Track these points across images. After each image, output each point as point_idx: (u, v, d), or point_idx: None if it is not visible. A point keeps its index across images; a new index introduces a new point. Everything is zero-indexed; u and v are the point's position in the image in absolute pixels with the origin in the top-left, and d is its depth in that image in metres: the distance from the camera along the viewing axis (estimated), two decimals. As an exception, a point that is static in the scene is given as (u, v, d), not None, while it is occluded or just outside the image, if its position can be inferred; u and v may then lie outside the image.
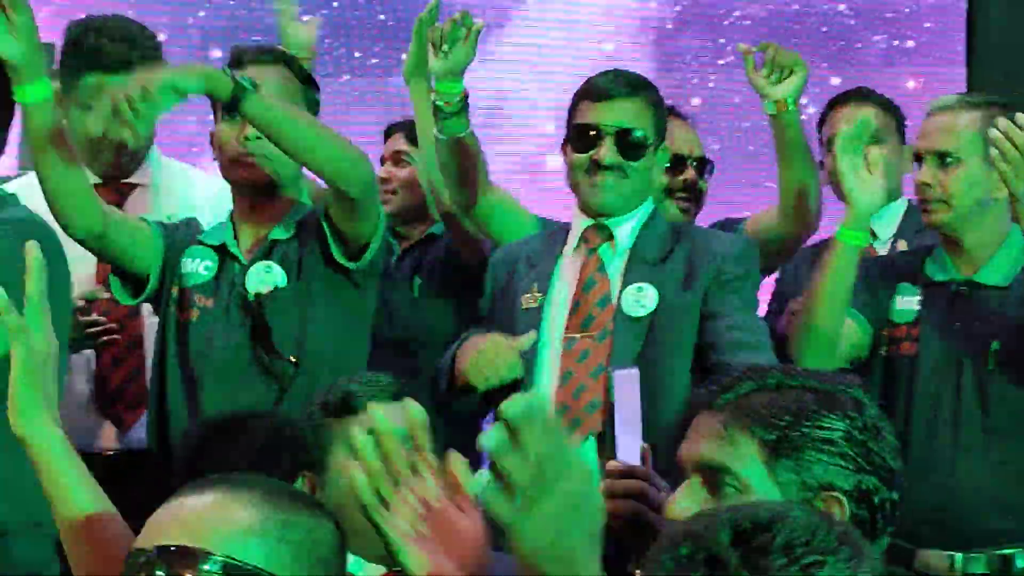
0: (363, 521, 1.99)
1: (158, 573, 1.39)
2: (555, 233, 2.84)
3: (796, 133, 2.87)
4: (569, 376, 2.67)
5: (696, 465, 1.54)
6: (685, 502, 1.51)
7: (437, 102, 2.89)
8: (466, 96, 2.92)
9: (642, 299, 2.66)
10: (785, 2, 4.43)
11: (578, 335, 2.68)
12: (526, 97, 4.41)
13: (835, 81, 4.31)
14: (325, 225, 2.67)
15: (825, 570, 1.02)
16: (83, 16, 2.97)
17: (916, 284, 2.68)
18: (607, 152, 2.63)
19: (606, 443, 1.94)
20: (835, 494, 1.48)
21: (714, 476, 1.51)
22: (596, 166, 2.63)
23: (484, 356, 2.60)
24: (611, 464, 1.74)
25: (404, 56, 3.16)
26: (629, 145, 2.65)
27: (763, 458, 1.49)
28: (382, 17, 4.41)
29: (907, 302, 2.68)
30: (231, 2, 4.54)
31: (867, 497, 1.46)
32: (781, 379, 1.56)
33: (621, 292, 2.70)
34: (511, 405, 1.09)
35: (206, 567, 1.38)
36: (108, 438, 2.96)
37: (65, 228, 2.61)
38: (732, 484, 1.49)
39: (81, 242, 2.64)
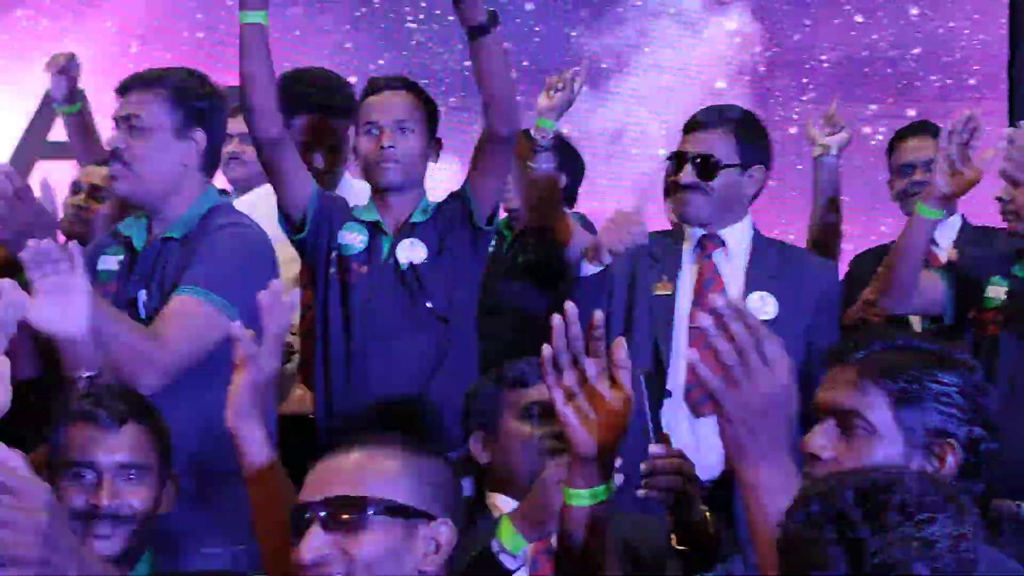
0: (521, 473, 2.27)
1: (329, 520, 1.53)
2: (670, 234, 3.08)
3: (831, 175, 3.31)
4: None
5: (831, 409, 1.62)
6: (821, 440, 1.61)
7: (534, 135, 3.20)
8: (557, 135, 3.24)
9: (766, 307, 2.88)
10: (857, 49, 4.89)
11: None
12: (643, 127, 4.87)
13: (911, 112, 4.77)
14: (468, 193, 2.94)
15: (935, 526, 1.10)
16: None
17: (1005, 278, 2.87)
18: (685, 174, 2.89)
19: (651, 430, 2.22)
20: (950, 440, 1.57)
21: (847, 419, 1.59)
22: (678, 185, 2.92)
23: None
24: (653, 448, 2.01)
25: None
26: (705, 168, 2.86)
27: (890, 406, 1.57)
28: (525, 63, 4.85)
29: (996, 291, 2.86)
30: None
31: (975, 445, 1.56)
32: (906, 341, 1.66)
33: (746, 296, 2.90)
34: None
35: (369, 510, 1.52)
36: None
37: (252, 124, 2.89)
38: (862, 427, 1.57)
39: (260, 144, 2.90)
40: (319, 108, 3.19)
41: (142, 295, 2.63)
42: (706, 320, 1.35)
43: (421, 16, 5.20)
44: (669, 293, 2.93)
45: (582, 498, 1.60)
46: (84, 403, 2.14)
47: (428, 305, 2.90)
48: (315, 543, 1.52)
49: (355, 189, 3.24)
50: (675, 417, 2.87)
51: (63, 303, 2.29)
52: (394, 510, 1.54)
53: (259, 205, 3.12)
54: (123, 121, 2.68)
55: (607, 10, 5.09)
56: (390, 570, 1.54)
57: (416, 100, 2.96)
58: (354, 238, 2.95)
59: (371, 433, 1.78)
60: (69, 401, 2.29)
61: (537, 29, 5.02)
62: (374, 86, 3.00)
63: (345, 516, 1.53)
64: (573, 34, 5.07)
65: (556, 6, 5.18)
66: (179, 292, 2.56)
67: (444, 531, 1.58)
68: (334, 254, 2.94)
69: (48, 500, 1.07)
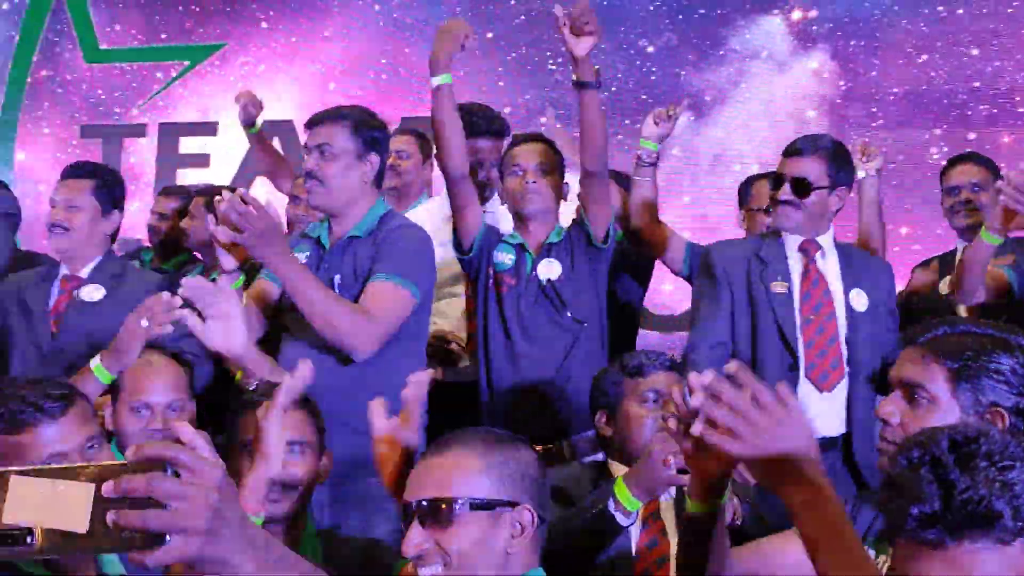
0: (636, 447, 2.34)
1: (424, 518, 1.62)
2: (768, 237, 3.19)
3: (871, 192, 3.47)
4: (812, 343, 3.01)
5: (900, 382, 1.73)
6: (889, 407, 1.73)
7: (640, 154, 3.41)
8: (658, 156, 3.42)
9: (861, 300, 3.05)
10: (919, 83, 5.25)
11: (812, 316, 3.03)
12: (738, 149, 5.29)
13: (970, 136, 5.10)
14: (584, 218, 3.13)
15: (1014, 472, 1.19)
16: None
17: None
18: (783, 192, 3.04)
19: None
20: (1000, 410, 1.66)
21: (912, 391, 1.70)
22: (777, 201, 3.06)
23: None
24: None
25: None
26: (800, 188, 3.02)
27: (948, 380, 1.67)
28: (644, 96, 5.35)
29: None
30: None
31: (1023, 414, 1.65)
32: (967, 327, 1.74)
33: (847, 292, 3.05)
34: (700, 377, 1.38)
35: (456, 507, 1.61)
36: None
37: (443, 162, 3.11)
38: (924, 397, 1.69)
39: (448, 177, 3.11)
40: (482, 133, 3.52)
41: (336, 279, 2.84)
42: (698, 398, 1.38)
43: (560, 59, 5.51)
44: (785, 291, 3.06)
45: (699, 508, 1.62)
46: (255, 396, 2.27)
47: (568, 314, 3.12)
48: (415, 539, 1.65)
49: (500, 212, 3.50)
50: (803, 391, 2.99)
51: (225, 327, 2.41)
52: (478, 505, 1.64)
53: (425, 216, 3.49)
54: (315, 148, 2.89)
55: (710, 53, 5.52)
56: (481, 556, 1.64)
57: (551, 150, 3.22)
58: (505, 257, 3.18)
59: (464, 431, 1.80)
60: (243, 396, 2.41)
61: (653, 69, 5.50)
62: (517, 139, 3.31)
63: (437, 514, 1.64)
64: (682, 73, 5.53)
65: (670, 50, 5.59)
66: (376, 278, 2.78)
67: (526, 515, 1.67)
68: (491, 270, 3.17)
69: (221, 478, 1.05)
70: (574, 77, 2.98)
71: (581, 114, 3.01)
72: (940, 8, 5.21)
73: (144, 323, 2.51)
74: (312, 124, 2.91)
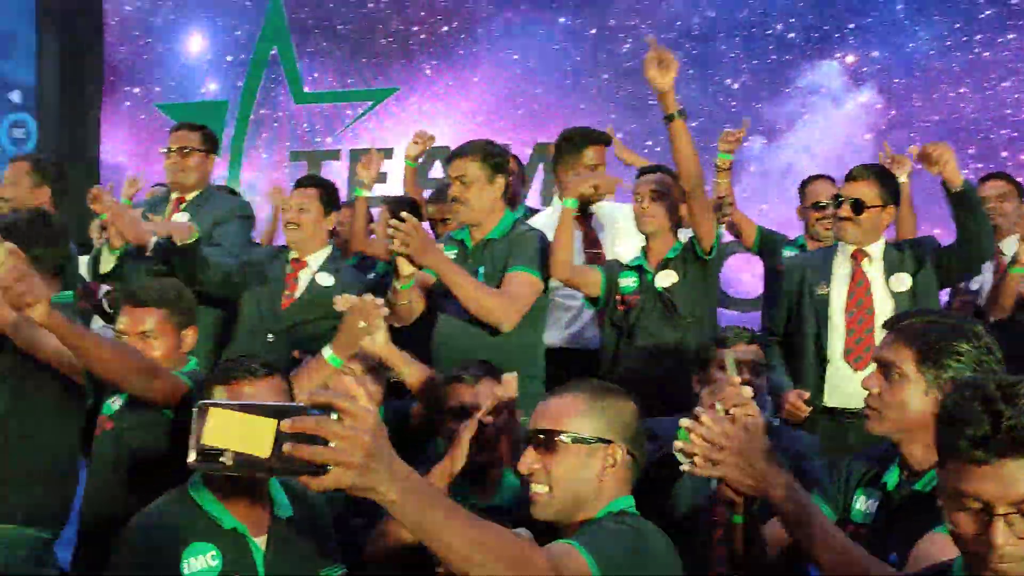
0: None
1: (537, 444, 1.76)
2: (827, 250, 3.40)
3: (905, 192, 3.64)
4: (852, 331, 3.17)
5: (878, 360, 1.84)
6: (870, 381, 1.84)
7: (716, 162, 3.69)
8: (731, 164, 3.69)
9: (902, 282, 3.16)
10: (953, 112, 5.65)
11: (855, 310, 3.15)
12: (803, 166, 5.47)
13: (1003, 153, 5.48)
14: (694, 235, 3.19)
15: None
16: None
17: None
18: (843, 211, 3.20)
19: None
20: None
21: (887, 368, 1.80)
22: (839, 218, 3.23)
23: None
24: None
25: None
26: (856, 207, 3.17)
27: (915, 359, 1.77)
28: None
29: None
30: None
31: None
32: (933, 316, 1.86)
33: (888, 279, 3.16)
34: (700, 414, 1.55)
35: (561, 439, 1.74)
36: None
37: (552, 273, 3.10)
38: (896, 373, 1.79)
39: (562, 282, 3.15)
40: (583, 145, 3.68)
41: (480, 271, 3.07)
42: (683, 444, 1.53)
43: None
44: (825, 293, 3.27)
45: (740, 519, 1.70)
46: (465, 375, 2.49)
47: (680, 313, 3.25)
48: (528, 460, 1.74)
49: (615, 212, 3.63)
50: (839, 372, 3.16)
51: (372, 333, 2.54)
52: (579, 439, 1.70)
53: (544, 221, 3.60)
54: (456, 179, 3.08)
55: (780, 90, 5.99)
56: (576, 481, 1.72)
57: (667, 178, 3.28)
58: (629, 281, 3.32)
59: (581, 380, 1.87)
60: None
61: (734, 103, 6.00)
62: (643, 170, 3.41)
63: (546, 443, 1.72)
64: (758, 106, 5.99)
65: (749, 87, 6.07)
66: (512, 269, 3.01)
67: (619, 453, 1.72)
68: (617, 296, 3.32)
69: (374, 424, 1.07)
70: (663, 112, 3.03)
71: (671, 143, 3.04)
72: (975, 50, 5.62)
73: (362, 324, 2.61)
74: (451, 159, 3.12)
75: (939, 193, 3.17)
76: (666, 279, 3.25)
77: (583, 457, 1.72)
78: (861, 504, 1.91)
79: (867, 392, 1.81)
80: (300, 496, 2.19)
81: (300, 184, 3.74)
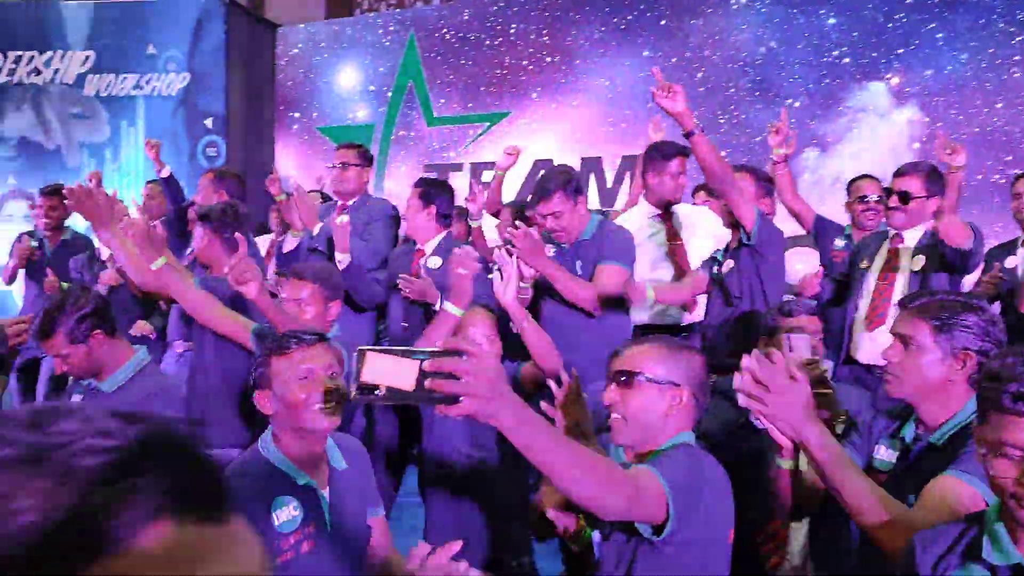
0: None
1: (618, 382, 1.90)
2: (878, 235, 3.62)
3: (954, 182, 3.61)
4: (874, 300, 3.48)
5: (897, 335, 1.94)
6: (891, 351, 1.93)
7: (772, 156, 3.97)
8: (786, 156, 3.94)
9: (918, 262, 3.39)
10: (986, 125, 5.89)
11: (881, 283, 3.46)
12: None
13: None
14: (741, 226, 3.35)
15: None
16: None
17: None
18: (892, 201, 3.46)
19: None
20: (969, 352, 1.86)
21: (906, 340, 1.90)
22: (889, 208, 3.49)
23: None
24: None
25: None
26: (903, 198, 3.43)
27: (930, 332, 1.90)
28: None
29: None
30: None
31: (987, 355, 1.84)
32: (945, 295, 1.98)
33: (912, 258, 3.40)
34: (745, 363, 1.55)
35: (636, 379, 1.88)
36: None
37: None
38: (913, 345, 1.90)
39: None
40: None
41: (578, 265, 3.32)
42: (741, 380, 1.56)
43: (719, 112, 6.30)
44: (866, 267, 3.56)
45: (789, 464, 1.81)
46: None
47: (734, 293, 3.51)
48: (610, 394, 1.88)
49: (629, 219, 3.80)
50: (860, 334, 3.45)
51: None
52: (651, 380, 1.84)
53: (628, 219, 3.92)
54: (549, 216, 3.28)
55: (832, 108, 6.27)
56: (646, 414, 1.87)
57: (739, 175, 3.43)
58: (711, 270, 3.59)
59: (660, 336, 1.99)
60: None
61: (793, 120, 5.63)
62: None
63: (625, 381, 1.86)
64: (812, 122, 6.30)
65: (806, 106, 6.32)
66: (604, 262, 3.27)
67: (685, 395, 1.86)
68: None
69: (496, 364, 1.18)
70: (682, 131, 3.16)
71: (695, 154, 3.19)
72: (1010, 71, 5.85)
73: (462, 271, 2.80)
74: (534, 204, 3.34)
75: (982, 199, 3.63)
76: (725, 267, 3.53)
77: (654, 395, 1.86)
78: (883, 454, 2.04)
79: (887, 361, 1.91)
80: (348, 449, 2.28)
81: (416, 185, 4.16)
